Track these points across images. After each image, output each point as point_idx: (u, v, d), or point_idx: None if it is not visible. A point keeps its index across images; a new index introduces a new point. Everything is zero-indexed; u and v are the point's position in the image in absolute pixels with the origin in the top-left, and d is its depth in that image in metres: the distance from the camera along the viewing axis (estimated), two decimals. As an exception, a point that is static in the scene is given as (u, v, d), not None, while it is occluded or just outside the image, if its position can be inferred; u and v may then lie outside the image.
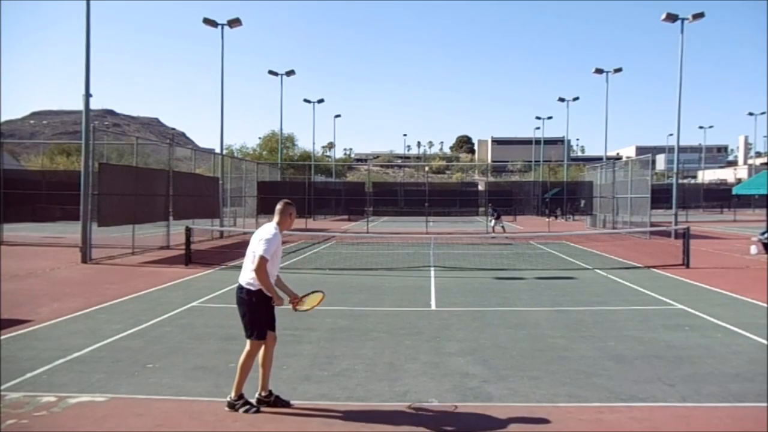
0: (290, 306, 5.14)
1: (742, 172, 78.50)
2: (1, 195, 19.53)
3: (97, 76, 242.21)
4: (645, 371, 6.03)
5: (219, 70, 27.00)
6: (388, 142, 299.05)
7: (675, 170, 27.67)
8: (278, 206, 5.20)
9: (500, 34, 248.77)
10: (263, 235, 4.88)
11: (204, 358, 6.51)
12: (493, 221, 25.90)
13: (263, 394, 4.98)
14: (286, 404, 5.01)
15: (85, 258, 14.85)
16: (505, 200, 41.52)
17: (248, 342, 4.93)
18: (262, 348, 4.95)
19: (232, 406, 4.89)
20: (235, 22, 26.40)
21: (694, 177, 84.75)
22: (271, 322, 5.03)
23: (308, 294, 5.28)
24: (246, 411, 4.84)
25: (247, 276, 4.92)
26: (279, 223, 5.08)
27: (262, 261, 4.76)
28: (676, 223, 23.60)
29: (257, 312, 4.90)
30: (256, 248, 4.82)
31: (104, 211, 15.28)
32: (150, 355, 6.56)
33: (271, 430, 4.58)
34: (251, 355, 4.91)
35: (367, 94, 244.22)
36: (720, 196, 51.00)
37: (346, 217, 39.54)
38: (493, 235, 23.94)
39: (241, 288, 4.95)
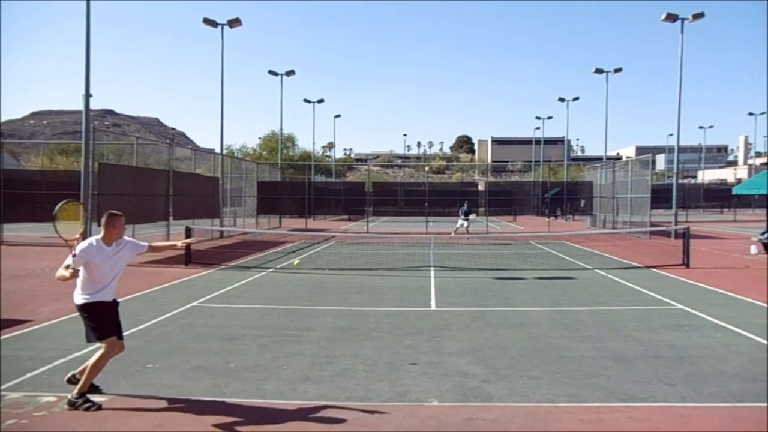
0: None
1: (742, 172, 78.53)
2: (1, 195, 19.53)
3: (97, 76, 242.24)
4: (645, 371, 6.03)
5: (219, 70, 27.03)
6: (388, 142, 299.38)
7: (675, 170, 27.67)
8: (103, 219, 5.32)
9: (500, 34, 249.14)
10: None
11: (204, 358, 6.51)
12: (461, 221, 24.43)
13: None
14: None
15: (85, 258, 14.82)
16: (505, 200, 41.54)
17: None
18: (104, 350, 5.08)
19: (72, 404, 4.92)
20: (235, 22, 26.41)
21: (694, 177, 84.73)
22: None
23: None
24: (87, 409, 4.88)
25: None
26: (102, 237, 5.19)
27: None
28: (676, 223, 23.60)
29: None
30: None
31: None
32: (150, 355, 6.56)
33: (272, 429, 4.58)
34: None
35: (367, 94, 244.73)
36: (720, 196, 50.98)
37: (346, 217, 39.55)
38: (452, 235, 22.66)
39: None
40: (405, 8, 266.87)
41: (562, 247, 20.23)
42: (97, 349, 5.14)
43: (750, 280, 12.50)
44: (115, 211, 5.38)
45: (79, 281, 5.07)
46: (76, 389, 4.98)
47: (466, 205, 25.01)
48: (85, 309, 5.07)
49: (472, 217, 24.94)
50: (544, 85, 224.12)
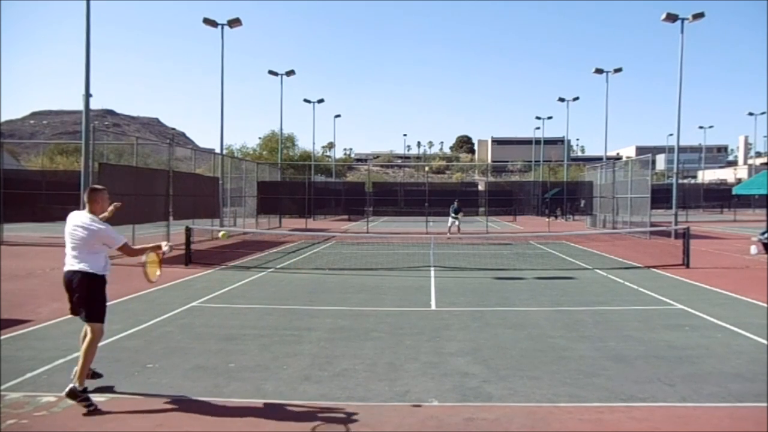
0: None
1: (742, 172, 78.56)
2: (1, 195, 19.53)
3: (97, 76, 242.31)
4: (645, 371, 6.03)
5: (219, 70, 27.03)
6: (388, 142, 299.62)
7: (675, 170, 27.66)
8: (85, 196, 5.32)
9: (500, 34, 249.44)
10: (94, 225, 5.06)
11: (204, 358, 6.51)
12: (452, 220, 24.49)
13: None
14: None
15: (85, 258, 14.82)
16: (505, 200, 41.52)
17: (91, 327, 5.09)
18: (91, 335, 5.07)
19: (72, 393, 4.85)
20: (235, 22, 26.41)
21: (694, 177, 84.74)
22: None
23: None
24: (86, 408, 4.83)
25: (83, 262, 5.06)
26: (91, 211, 5.23)
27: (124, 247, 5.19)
28: (676, 223, 23.60)
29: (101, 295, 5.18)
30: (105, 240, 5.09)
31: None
32: (150, 355, 6.56)
33: (272, 429, 4.58)
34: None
35: (367, 94, 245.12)
36: (720, 196, 50.97)
37: (346, 217, 39.52)
38: (449, 235, 22.71)
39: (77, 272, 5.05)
40: (405, 8, 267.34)
41: (562, 247, 20.23)
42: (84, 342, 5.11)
43: (750, 280, 12.50)
44: (96, 186, 5.44)
45: (93, 255, 5.07)
46: (76, 379, 4.94)
47: (456, 203, 25.12)
48: (100, 283, 5.12)
49: (460, 215, 25.04)
50: (544, 85, 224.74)
